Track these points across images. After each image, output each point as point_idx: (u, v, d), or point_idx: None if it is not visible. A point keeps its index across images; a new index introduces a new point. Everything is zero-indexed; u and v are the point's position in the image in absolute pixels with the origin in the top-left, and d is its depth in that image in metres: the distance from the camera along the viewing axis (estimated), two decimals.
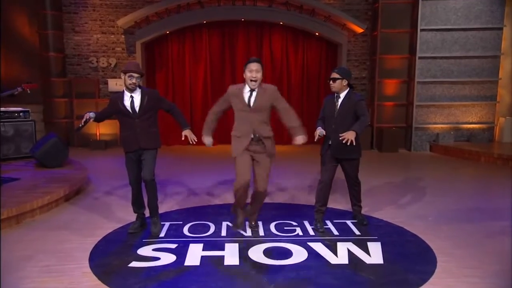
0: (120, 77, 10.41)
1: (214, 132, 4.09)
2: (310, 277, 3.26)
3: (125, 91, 4.08)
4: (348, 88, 4.25)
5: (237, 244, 3.89)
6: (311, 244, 3.93)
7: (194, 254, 3.69)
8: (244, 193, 3.83)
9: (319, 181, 4.36)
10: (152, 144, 4.15)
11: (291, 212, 5.01)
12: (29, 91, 5.96)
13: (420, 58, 9.96)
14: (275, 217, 4.73)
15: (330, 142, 4.23)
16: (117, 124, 4.26)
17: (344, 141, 3.94)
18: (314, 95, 11.36)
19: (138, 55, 10.56)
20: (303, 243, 3.94)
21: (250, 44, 11.04)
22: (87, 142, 10.53)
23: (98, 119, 4.20)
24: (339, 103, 4.22)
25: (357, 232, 4.27)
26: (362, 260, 3.58)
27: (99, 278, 3.24)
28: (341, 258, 3.62)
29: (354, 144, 3.93)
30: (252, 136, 3.80)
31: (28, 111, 7.67)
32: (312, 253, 3.73)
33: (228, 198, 5.58)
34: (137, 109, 4.05)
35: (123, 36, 10.72)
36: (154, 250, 3.79)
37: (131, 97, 4.05)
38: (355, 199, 4.56)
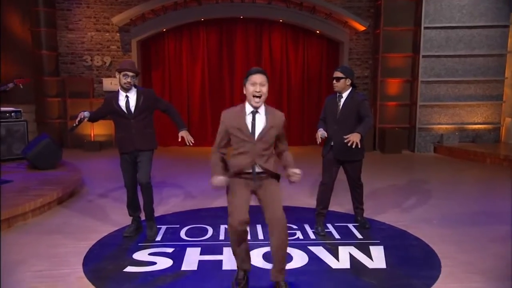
0: (115, 76, 10.30)
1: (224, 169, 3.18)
2: (311, 282, 3.27)
3: (120, 90, 4.09)
4: (351, 88, 4.25)
5: None
6: (311, 248, 3.93)
7: (192, 259, 3.69)
8: (242, 237, 3.09)
9: (320, 183, 4.36)
10: (148, 145, 4.15)
11: (291, 215, 5.00)
12: (21, 86, 5.94)
13: (424, 56, 9.98)
14: None
15: (332, 144, 4.23)
16: (112, 125, 4.27)
17: (349, 144, 3.89)
18: (315, 95, 11.36)
19: (133, 54, 10.57)
20: (303, 247, 3.95)
21: (249, 42, 11.04)
22: (81, 143, 10.52)
23: (93, 118, 4.22)
24: (342, 103, 4.22)
25: (359, 236, 4.28)
26: (364, 265, 3.58)
27: (93, 283, 3.24)
28: (343, 262, 3.63)
29: (359, 146, 3.92)
30: (252, 171, 3.07)
31: (20, 111, 7.67)
32: (312, 257, 3.73)
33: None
34: (132, 109, 4.05)
35: (118, 34, 10.72)
36: (150, 254, 3.79)
37: (126, 96, 4.05)
38: (357, 201, 4.57)
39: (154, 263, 3.59)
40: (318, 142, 4.23)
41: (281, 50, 11.19)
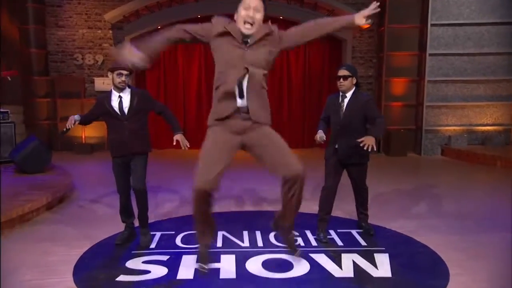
0: (107, 76, 10.33)
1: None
2: None
3: (113, 90, 4.08)
4: (354, 87, 4.25)
5: (233, 256, 3.88)
6: (313, 255, 3.92)
7: (188, 267, 3.68)
8: (204, 203, 2.95)
9: (322, 187, 4.36)
10: (141, 148, 4.14)
11: None
12: (9, 78, 5.91)
13: (430, 55, 10.01)
14: None
15: (336, 146, 4.22)
16: (104, 126, 4.26)
17: (365, 148, 3.81)
18: (316, 95, 11.39)
19: None
20: (305, 255, 3.94)
21: None
22: (71, 145, 10.53)
23: (84, 122, 4.20)
24: (346, 103, 4.20)
25: (363, 243, 4.27)
26: (369, 273, 3.58)
27: None
28: (346, 270, 3.62)
29: (375, 149, 3.88)
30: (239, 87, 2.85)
31: (7, 112, 7.67)
32: (314, 265, 3.73)
33: (224, 205, 5.58)
34: (126, 110, 4.05)
35: (110, 31, 10.74)
36: (144, 262, 3.78)
37: (120, 97, 4.05)
38: (362, 207, 4.56)
39: (148, 272, 3.58)
40: (317, 142, 4.23)
41: None
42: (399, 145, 10.17)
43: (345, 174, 4.38)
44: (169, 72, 11.17)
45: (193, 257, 3.87)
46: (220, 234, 4.48)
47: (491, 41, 10.00)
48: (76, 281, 3.43)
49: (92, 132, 10.70)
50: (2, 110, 7.59)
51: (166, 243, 4.24)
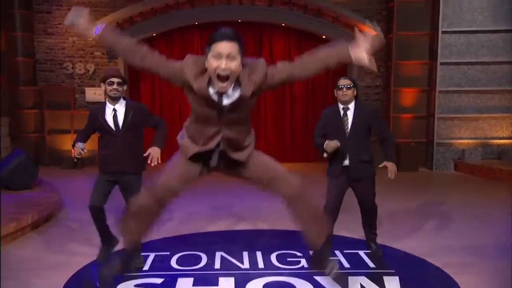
0: (99, 86, 10.41)
1: None
2: None
3: (107, 102, 4.07)
4: (355, 99, 4.26)
5: (232, 278, 3.86)
6: (318, 278, 3.90)
7: None
8: (151, 209, 2.90)
9: (324, 208, 4.29)
10: (135, 168, 4.08)
11: (295, 240, 4.97)
12: None
13: (441, 64, 10.06)
14: (276, 246, 4.71)
15: (347, 164, 4.17)
16: (94, 139, 4.24)
17: (390, 177, 4.06)
18: (319, 106, 11.39)
19: (120, 61, 10.64)
20: (309, 277, 3.92)
21: (248, 48, 10.92)
22: (60, 160, 10.52)
23: (84, 141, 4.15)
24: (351, 117, 4.19)
25: (371, 265, 4.25)
26: None
27: None
28: None
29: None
30: (219, 147, 2.73)
31: None
32: None
33: (223, 224, 5.56)
34: (120, 124, 4.02)
35: None
36: (136, 286, 3.76)
37: (114, 110, 4.03)
38: (371, 226, 4.52)
39: None
40: (325, 155, 4.16)
41: (283, 57, 11.24)
42: (409, 160, 10.15)
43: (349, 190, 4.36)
44: (164, 81, 11.19)
45: (190, 280, 3.85)
46: (218, 255, 4.46)
47: (506, 49, 10.04)
48: None
49: None
50: None
51: (161, 265, 4.22)
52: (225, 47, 2.37)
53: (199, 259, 4.40)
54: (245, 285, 3.73)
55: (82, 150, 3.97)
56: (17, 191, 6.58)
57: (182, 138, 2.86)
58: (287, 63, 2.70)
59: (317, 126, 4.32)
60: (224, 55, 2.37)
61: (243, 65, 2.51)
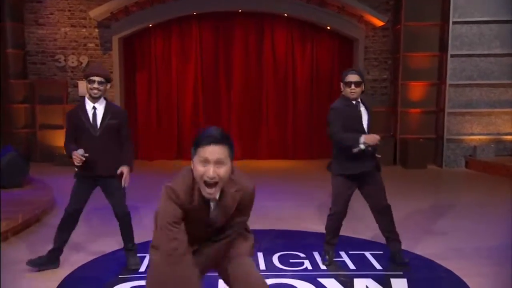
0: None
1: None
2: None
3: (87, 99, 4.11)
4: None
5: None
6: (322, 280, 3.90)
7: None
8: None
9: (331, 210, 4.26)
10: (115, 171, 4.07)
11: (298, 241, 4.99)
12: None
13: (452, 56, 10.02)
14: (278, 247, 4.71)
15: (377, 156, 4.14)
16: None
17: None
18: (324, 101, 11.35)
19: (115, 53, 10.63)
20: (312, 279, 3.92)
21: (249, 39, 11.11)
22: (52, 156, 10.51)
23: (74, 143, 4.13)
24: (363, 111, 4.15)
25: (379, 266, 4.25)
26: None
27: None
28: None
29: None
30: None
31: None
32: None
33: None
34: (98, 123, 4.06)
35: (97, 30, 10.80)
36: None
37: (94, 108, 4.07)
38: (390, 231, 4.29)
39: None
40: (356, 151, 3.96)
41: (285, 49, 11.25)
42: (417, 157, 10.13)
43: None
44: (161, 73, 11.17)
45: None
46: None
47: None
48: None
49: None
50: None
51: None
52: (212, 151, 2.20)
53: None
54: None
55: (83, 156, 3.94)
56: (8, 189, 6.58)
57: None
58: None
59: (332, 121, 4.08)
60: (212, 161, 2.20)
61: (232, 179, 2.35)
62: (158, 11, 10.49)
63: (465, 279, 3.97)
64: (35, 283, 3.86)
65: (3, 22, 10.41)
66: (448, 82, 10.07)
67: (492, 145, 10.11)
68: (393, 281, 3.89)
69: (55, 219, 5.93)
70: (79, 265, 4.30)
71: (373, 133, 4.06)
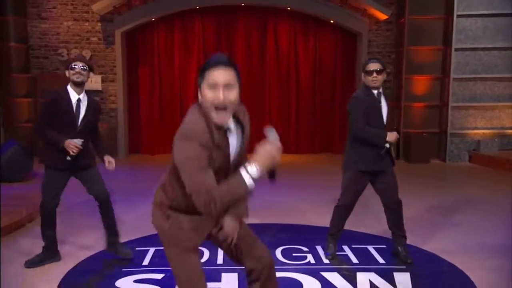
0: (96, 74, 10.49)
1: None
2: None
3: (70, 90, 4.11)
4: None
5: (236, 274, 3.88)
6: (325, 274, 3.91)
7: None
8: None
9: (340, 204, 4.23)
10: (90, 161, 4.13)
11: (301, 235, 5.00)
12: None
13: (456, 50, 9.99)
14: (281, 241, 4.72)
15: (389, 151, 4.11)
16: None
17: None
18: (328, 95, 11.38)
19: (117, 46, 10.62)
20: (315, 273, 3.93)
21: (252, 33, 11.10)
22: None
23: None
24: (383, 101, 4.04)
25: (381, 260, 4.26)
26: None
27: None
28: None
29: None
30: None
31: None
32: (326, 285, 3.71)
33: None
34: (80, 118, 4.06)
35: (99, 24, 10.79)
36: (136, 281, 3.78)
37: (78, 100, 4.07)
38: (397, 226, 4.29)
39: None
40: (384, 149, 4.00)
41: (288, 43, 11.24)
42: (421, 151, 10.13)
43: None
44: (164, 67, 11.17)
45: None
46: (220, 250, 4.46)
47: None
48: None
49: None
50: None
51: (161, 260, 4.24)
52: (221, 74, 2.09)
53: (200, 254, 4.40)
54: None
55: (79, 145, 3.93)
56: (11, 183, 6.61)
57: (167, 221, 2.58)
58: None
59: (355, 115, 3.98)
60: (221, 84, 2.09)
61: None
62: (160, 5, 10.47)
63: (468, 273, 3.97)
64: (38, 277, 3.88)
65: (5, 16, 10.41)
66: (452, 76, 10.04)
67: (496, 139, 10.09)
68: (396, 275, 3.89)
69: (58, 213, 5.95)
70: (83, 258, 4.31)
71: (392, 125, 4.05)
